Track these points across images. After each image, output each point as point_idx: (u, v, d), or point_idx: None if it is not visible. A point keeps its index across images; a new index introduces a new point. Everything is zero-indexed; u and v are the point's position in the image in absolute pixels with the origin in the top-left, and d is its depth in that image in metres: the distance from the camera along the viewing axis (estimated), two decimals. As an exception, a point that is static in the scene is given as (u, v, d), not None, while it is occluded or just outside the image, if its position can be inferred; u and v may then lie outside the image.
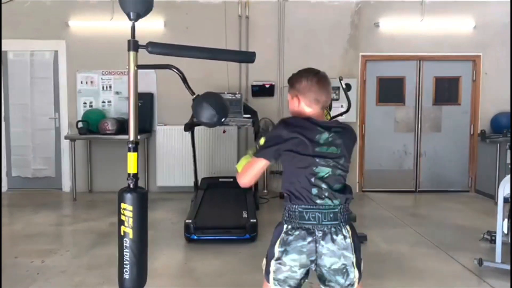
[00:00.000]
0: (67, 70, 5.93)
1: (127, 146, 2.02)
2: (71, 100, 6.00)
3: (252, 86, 6.15)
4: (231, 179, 5.78)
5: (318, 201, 1.64)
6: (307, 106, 1.74)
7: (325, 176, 1.66)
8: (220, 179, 5.63)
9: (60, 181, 6.08)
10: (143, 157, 6.04)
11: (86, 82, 5.98)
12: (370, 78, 6.33)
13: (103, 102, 6.00)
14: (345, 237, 1.65)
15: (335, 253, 1.64)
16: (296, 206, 1.65)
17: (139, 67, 2.15)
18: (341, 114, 5.30)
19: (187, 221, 4.03)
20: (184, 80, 2.11)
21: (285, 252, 1.66)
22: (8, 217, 4.89)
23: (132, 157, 2.14)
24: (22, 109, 5.98)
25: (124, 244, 2.10)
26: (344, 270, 1.65)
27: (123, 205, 2.10)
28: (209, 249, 3.82)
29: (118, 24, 5.88)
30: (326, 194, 1.65)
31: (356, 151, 6.32)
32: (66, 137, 5.69)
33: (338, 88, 5.63)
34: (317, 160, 1.65)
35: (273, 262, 1.69)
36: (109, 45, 5.96)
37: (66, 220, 4.72)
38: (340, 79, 5.18)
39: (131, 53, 2.11)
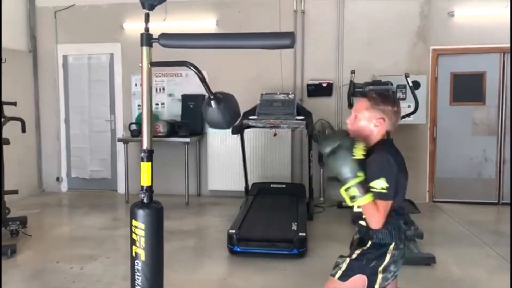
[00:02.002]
0: (122, 72, 5.96)
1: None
2: (126, 102, 6.03)
3: (308, 85, 5.74)
4: (283, 185, 5.44)
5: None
6: (385, 130, 1.80)
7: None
8: (271, 185, 5.31)
9: (116, 183, 6.13)
10: (194, 160, 5.90)
11: (141, 84, 5.96)
12: (443, 74, 5.61)
13: (157, 104, 5.95)
14: None
15: None
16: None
17: (153, 64, 1.90)
18: (407, 115, 4.73)
19: (230, 231, 3.75)
20: (202, 78, 1.81)
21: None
22: (62, 218, 4.98)
23: (145, 167, 1.89)
24: (81, 111, 6.13)
25: (136, 267, 1.84)
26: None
27: (134, 223, 1.84)
28: (252, 264, 3.51)
29: (171, 25, 5.80)
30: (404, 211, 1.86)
31: (425, 156, 5.64)
32: (119, 140, 5.71)
33: (405, 86, 5.02)
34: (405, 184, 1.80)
35: None
36: (162, 47, 5.89)
37: (114, 224, 4.68)
38: (407, 76, 4.62)
39: (144, 48, 1.86)
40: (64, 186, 6.26)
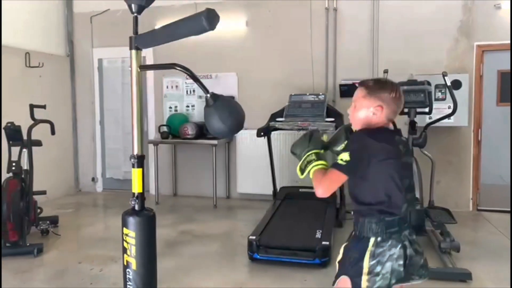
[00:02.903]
0: (154, 75, 6.03)
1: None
2: (158, 104, 6.09)
3: (341, 85, 5.51)
4: (313, 190, 5.23)
5: (403, 209, 1.70)
6: (385, 117, 1.71)
7: (407, 187, 1.73)
8: (300, 189, 5.12)
9: (148, 184, 6.20)
10: (223, 163, 5.85)
11: (172, 87, 6.02)
12: (489, 72, 5.18)
13: (187, 106, 5.96)
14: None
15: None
16: (383, 217, 1.68)
17: (143, 68, 1.83)
18: (446, 117, 4.40)
19: (250, 237, 3.64)
20: (194, 77, 1.73)
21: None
22: (92, 218, 5.09)
23: (136, 173, 1.83)
24: (114, 113, 6.27)
25: (127, 276, 1.78)
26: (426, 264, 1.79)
27: (125, 230, 1.78)
28: (271, 272, 3.37)
29: (201, 27, 5.79)
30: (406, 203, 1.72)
31: (469, 160, 5.23)
32: (149, 142, 5.77)
33: (444, 86, 4.67)
34: (402, 172, 1.69)
35: None
36: (192, 49, 5.90)
37: (141, 225, 4.70)
38: (444, 75, 4.28)
39: (133, 52, 1.80)
40: (99, 186, 6.43)
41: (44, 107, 4.09)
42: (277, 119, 4.86)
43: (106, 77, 6.28)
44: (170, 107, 6.04)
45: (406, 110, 4.50)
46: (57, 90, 5.94)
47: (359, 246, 1.68)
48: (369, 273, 1.63)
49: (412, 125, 4.40)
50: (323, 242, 3.52)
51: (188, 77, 6.04)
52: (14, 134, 3.71)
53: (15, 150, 3.89)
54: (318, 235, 3.73)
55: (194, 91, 5.93)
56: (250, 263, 3.56)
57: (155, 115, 6.10)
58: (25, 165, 3.91)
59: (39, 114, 4.20)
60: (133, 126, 1.81)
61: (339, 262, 1.80)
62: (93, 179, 6.41)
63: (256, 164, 5.62)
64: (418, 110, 4.39)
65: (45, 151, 5.20)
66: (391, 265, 1.64)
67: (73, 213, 5.25)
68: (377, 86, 1.71)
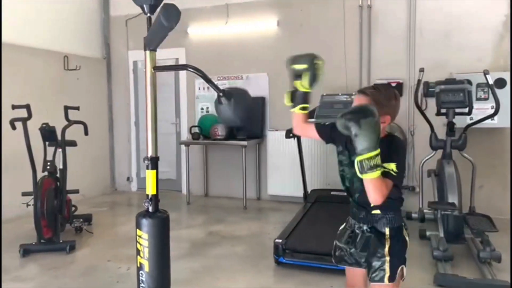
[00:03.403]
0: (186, 77, 6.09)
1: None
2: (190, 106, 6.15)
3: (375, 85, 5.31)
4: (345, 193, 5.08)
5: None
6: (388, 126, 1.74)
7: None
8: (332, 192, 4.98)
9: (181, 184, 6.29)
10: (254, 164, 5.81)
11: (203, 88, 6.05)
12: (537, 70, 4.82)
13: (218, 107, 5.96)
14: None
15: None
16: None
17: (157, 68, 1.81)
18: (488, 118, 4.16)
19: (276, 240, 3.57)
20: (206, 78, 1.70)
21: None
22: (125, 217, 5.20)
23: (150, 175, 1.81)
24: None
25: (140, 278, 1.76)
26: None
27: (138, 232, 1.76)
28: (297, 277, 3.29)
29: (233, 28, 5.80)
30: None
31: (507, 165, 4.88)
32: (180, 142, 5.83)
33: (487, 85, 4.39)
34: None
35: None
36: (224, 50, 5.92)
37: (170, 225, 4.72)
38: (486, 74, 4.04)
39: (147, 52, 1.79)
40: (134, 186, 6.58)
41: (77, 108, 4.22)
42: (308, 120, 4.75)
43: (141, 79, 6.42)
44: (202, 108, 6.08)
45: (444, 110, 4.28)
46: (94, 92, 6.13)
47: (397, 234, 1.82)
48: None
49: (451, 126, 4.17)
50: (352, 248, 3.39)
51: (220, 78, 6.04)
52: (48, 134, 3.84)
53: (51, 150, 4.03)
54: (347, 240, 3.60)
55: (225, 92, 5.93)
56: (275, 267, 3.49)
57: (188, 116, 6.16)
58: (60, 164, 4.05)
59: (76, 115, 4.33)
60: (147, 127, 1.80)
61: (391, 257, 1.80)
62: (128, 179, 6.56)
63: (287, 166, 5.54)
64: (457, 110, 4.16)
65: (83, 151, 5.39)
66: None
67: (107, 211, 5.39)
68: (382, 94, 1.71)
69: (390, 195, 1.66)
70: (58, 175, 3.97)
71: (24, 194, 3.81)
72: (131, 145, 6.54)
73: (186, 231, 4.52)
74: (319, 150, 5.47)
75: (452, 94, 4.10)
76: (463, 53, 4.93)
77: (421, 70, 4.38)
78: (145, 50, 1.79)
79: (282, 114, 5.67)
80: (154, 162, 1.78)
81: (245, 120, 1.71)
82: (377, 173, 1.55)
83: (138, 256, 1.77)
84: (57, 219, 3.79)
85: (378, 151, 1.54)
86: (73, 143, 4.21)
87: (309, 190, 5.15)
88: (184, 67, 1.72)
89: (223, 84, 5.93)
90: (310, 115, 4.71)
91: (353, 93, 5.00)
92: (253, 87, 5.76)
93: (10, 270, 3.38)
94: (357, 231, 1.91)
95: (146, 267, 1.75)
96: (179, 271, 3.42)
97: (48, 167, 3.81)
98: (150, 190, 1.80)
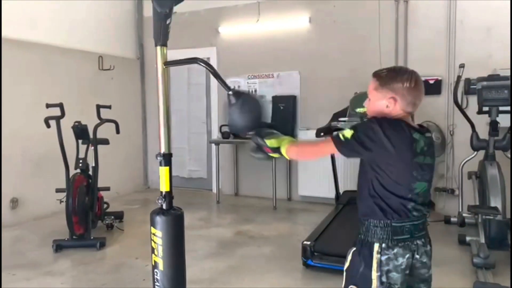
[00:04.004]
0: (217, 75, 6.07)
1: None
2: (221, 105, 6.13)
3: (411, 82, 5.07)
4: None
5: (415, 213, 1.55)
6: (401, 110, 1.56)
7: (421, 192, 1.56)
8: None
9: (211, 183, 6.29)
10: (284, 163, 5.71)
11: (233, 87, 5.98)
12: None
13: (249, 106, 5.91)
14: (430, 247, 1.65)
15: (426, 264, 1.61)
16: (389, 221, 1.54)
17: (168, 64, 1.76)
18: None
19: (305, 242, 3.46)
20: (215, 74, 1.64)
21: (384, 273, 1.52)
22: (156, 215, 5.24)
23: (163, 172, 1.77)
24: (180, 113, 6.44)
25: (155, 277, 1.73)
26: (429, 279, 1.66)
27: (152, 230, 1.73)
28: (324, 280, 3.17)
29: (263, 26, 5.73)
30: (419, 207, 1.56)
31: None
32: (210, 141, 5.82)
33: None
34: (415, 174, 1.53)
35: None
36: (255, 48, 5.86)
37: (199, 224, 4.74)
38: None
39: (158, 48, 1.74)
40: (165, 184, 6.64)
41: (109, 107, 4.29)
42: (340, 119, 4.60)
43: (173, 78, 6.46)
44: (233, 107, 6.04)
45: (486, 108, 4.02)
46: (128, 91, 6.25)
47: (364, 249, 1.57)
48: (380, 283, 1.53)
49: (494, 125, 3.91)
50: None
51: (250, 76, 5.97)
52: (81, 132, 3.93)
53: (84, 148, 4.12)
54: (379, 243, 3.44)
55: (255, 90, 5.87)
56: (303, 269, 3.39)
57: (218, 115, 6.15)
58: (92, 162, 4.13)
59: (110, 114, 4.41)
60: (159, 123, 1.75)
61: (346, 270, 1.66)
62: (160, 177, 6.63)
63: (319, 166, 5.40)
64: (501, 108, 3.90)
65: (117, 149, 5.51)
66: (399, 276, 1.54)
67: (138, 209, 5.46)
68: (389, 76, 1.57)
69: (363, 191, 1.58)
70: (90, 172, 4.05)
71: (58, 190, 3.91)
72: (164, 144, 6.60)
73: (215, 230, 4.49)
74: (351, 150, 5.29)
75: (495, 91, 3.85)
76: (508, 48, 4.61)
77: (461, 66, 4.14)
78: (156, 45, 1.75)
79: (313, 113, 5.54)
80: (167, 159, 1.75)
81: (250, 127, 1.63)
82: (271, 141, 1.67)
83: (153, 254, 1.75)
84: (88, 216, 3.86)
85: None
86: (105, 141, 4.29)
87: (341, 191, 4.99)
88: (194, 60, 1.67)
89: (254, 83, 5.90)
90: (341, 115, 4.60)
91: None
92: (284, 86, 5.68)
93: (42, 265, 3.48)
94: None
95: (161, 266, 1.71)
96: (205, 270, 3.40)
97: (80, 165, 3.89)
98: (164, 187, 1.76)
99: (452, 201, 4.87)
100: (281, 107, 5.60)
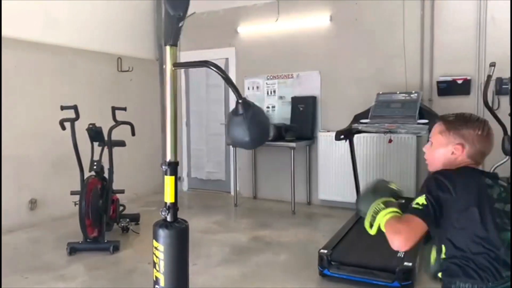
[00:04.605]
0: (235, 76, 5.98)
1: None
2: (239, 106, 6.02)
3: (438, 82, 4.84)
4: (402, 201, 4.66)
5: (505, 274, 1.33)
6: (468, 158, 1.47)
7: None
8: (387, 199, 4.60)
9: (229, 185, 6.19)
10: (304, 166, 5.55)
11: (253, 88, 5.90)
12: None
13: (267, 107, 5.79)
14: None
15: None
16: (484, 286, 1.32)
17: (177, 65, 1.65)
18: None
19: (321, 251, 3.31)
20: (227, 78, 1.51)
21: None
22: (172, 218, 5.18)
23: (168, 181, 1.66)
24: (199, 115, 6.38)
25: (156, 292, 1.62)
26: None
27: (155, 243, 1.62)
28: (342, 292, 3.02)
29: (283, 25, 5.59)
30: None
31: None
32: (228, 143, 5.72)
33: None
34: (498, 221, 1.36)
35: None
36: (274, 48, 5.73)
37: (214, 228, 4.65)
38: None
39: (168, 48, 1.63)
40: (184, 186, 6.60)
41: (124, 109, 4.24)
42: (361, 121, 4.42)
43: (191, 79, 6.42)
44: (251, 108, 5.92)
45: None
46: (147, 93, 6.22)
47: None
48: None
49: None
50: (406, 263, 3.05)
51: (269, 77, 5.84)
52: (95, 135, 3.89)
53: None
54: (401, 254, 3.25)
55: (274, 92, 5.74)
56: (319, 279, 3.24)
57: (237, 116, 6.04)
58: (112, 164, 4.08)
59: (128, 116, 4.37)
60: (166, 128, 1.64)
61: None
62: (179, 178, 6.59)
63: (340, 169, 5.23)
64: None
65: (137, 151, 5.49)
66: None
67: (156, 211, 5.40)
68: (459, 121, 1.49)
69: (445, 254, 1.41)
70: (105, 174, 4.02)
71: (73, 193, 3.89)
72: (182, 145, 6.56)
73: (229, 235, 4.39)
74: (373, 152, 5.09)
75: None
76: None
77: (492, 64, 3.88)
78: (164, 45, 1.64)
79: (334, 114, 5.37)
80: (173, 168, 1.63)
81: (255, 142, 1.48)
82: (382, 214, 1.45)
83: (154, 269, 1.64)
84: (102, 219, 3.82)
85: (379, 199, 1.50)
86: (121, 143, 4.25)
87: (362, 196, 4.80)
88: (204, 64, 1.54)
89: (273, 84, 5.77)
90: (362, 117, 4.42)
91: (412, 91, 4.60)
92: (304, 86, 5.52)
93: (55, 268, 3.45)
94: None
95: (162, 282, 1.61)
96: (217, 278, 3.30)
97: (95, 167, 3.86)
98: (168, 197, 1.65)
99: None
100: (301, 108, 5.45)
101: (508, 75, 3.94)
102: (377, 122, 4.36)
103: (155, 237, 1.62)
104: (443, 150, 1.49)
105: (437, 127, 1.52)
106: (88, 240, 3.79)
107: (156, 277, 1.63)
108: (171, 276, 1.59)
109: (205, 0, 5.78)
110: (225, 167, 6.25)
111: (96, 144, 4.08)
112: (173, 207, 1.65)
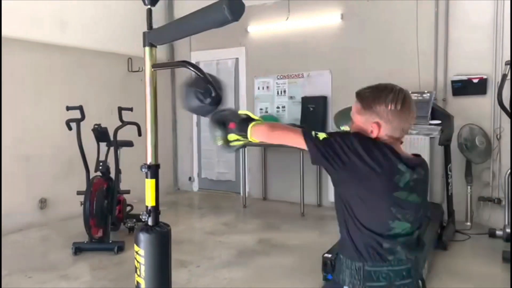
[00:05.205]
0: (246, 76, 5.93)
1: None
2: (249, 106, 5.97)
3: (453, 81, 4.68)
4: (414, 203, 4.56)
5: (392, 257, 1.30)
6: (386, 136, 1.33)
7: (403, 233, 1.32)
8: (398, 202, 4.47)
9: (239, 186, 6.14)
10: (314, 168, 5.45)
11: (263, 88, 5.84)
12: None
13: (277, 107, 5.72)
14: None
15: None
16: (361, 264, 1.31)
17: (155, 66, 1.61)
18: None
19: (326, 255, 3.21)
20: (205, 77, 1.47)
21: None
22: (179, 218, 5.17)
23: (149, 185, 1.62)
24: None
25: (138, 298, 1.58)
26: None
27: (135, 248, 1.59)
28: (345, 299, 2.92)
29: (293, 24, 5.51)
30: (398, 250, 1.31)
31: None
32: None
33: None
34: (393, 210, 1.29)
35: None
36: (284, 48, 5.65)
37: (222, 229, 4.61)
38: None
39: (147, 49, 1.60)
40: (195, 186, 6.60)
41: (131, 109, 4.24)
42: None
43: (202, 79, 6.40)
44: (261, 109, 5.87)
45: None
46: (158, 94, 6.22)
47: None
48: None
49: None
50: (412, 270, 2.93)
51: (280, 77, 5.74)
52: (100, 135, 3.91)
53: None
54: (409, 260, 3.14)
55: (284, 91, 5.67)
56: (323, 285, 3.15)
57: (247, 117, 5.99)
58: (118, 164, 4.09)
59: (139, 117, 4.36)
60: (146, 130, 1.60)
61: None
62: (189, 179, 6.59)
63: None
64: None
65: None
66: None
67: (164, 211, 5.32)
68: (372, 97, 1.34)
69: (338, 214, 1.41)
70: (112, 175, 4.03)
71: (79, 193, 3.91)
72: (193, 145, 6.56)
73: (236, 236, 4.34)
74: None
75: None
76: None
77: (508, 63, 3.72)
78: (144, 46, 1.61)
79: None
80: (153, 171, 1.59)
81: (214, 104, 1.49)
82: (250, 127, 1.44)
83: (136, 274, 1.61)
84: (107, 219, 3.83)
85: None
86: (129, 144, 4.25)
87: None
88: (183, 64, 1.50)
89: (283, 83, 5.70)
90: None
91: (425, 91, 4.46)
92: (314, 86, 5.43)
93: (60, 268, 3.47)
94: None
95: (143, 287, 1.57)
96: (219, 281, 3.26)
97: (100, 167, 3.87)
98: (150, 201, 1.61)
99: (498, 212, 4.42)
100: (311, 109, 5.35)
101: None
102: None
103: (136, 242, 1.59)
104: (362, 128, 1.36)
105: (355, 105, 1.39)
106: (93, 240, 3.80)
107: (137, 282, 1.60)
108: (152, 281, 1.56)
109: (215, 0, 5.74)
110: (235, 168, 6.21)
111: (103, 144, 4.10)
112: (155, 211, 1.62)
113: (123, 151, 4.32)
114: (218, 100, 1.47)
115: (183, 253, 3.83)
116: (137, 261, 1.57)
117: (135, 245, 1.59)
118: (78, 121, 3.81)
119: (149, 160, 1.61)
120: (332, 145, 1.28)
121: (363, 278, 1.29)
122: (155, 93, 1.62)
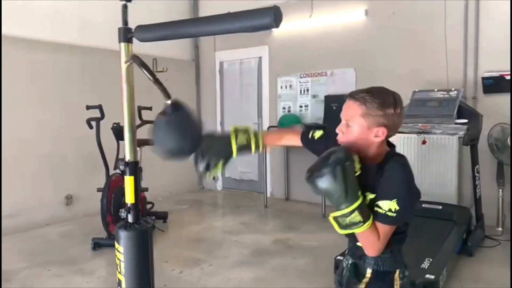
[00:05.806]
0: (269, 75, 5.89)
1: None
2: (272, 105, 5.93)
3: (483, 78, 4.42)
4: (439, 206, 4.32)
5: None
6: (386, 139, 1.37)
7: None
8: (423, 205, 4.27)
9: (262, 185, 6.11)
10: (337, 168, 5.32)
11: (286, 87, 5.78)
12: None
13: (300, 106, 5.64)
14: None
15: None
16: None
17: (127, 61, 1.59)
18: None
19: (338, 257, 3.14)
20: (153, 76, 1.40)
21: None
22: (199, 217, 5.22)
23: (128, 181, 1.61)
24: (233, 114, 6.36)
25: (119, 295, 1.59)
26: None
27: (116, 245, 1.59)
28: (355, 303, 2.81)
29: (316, 22, 5.41)
30: None
31: None
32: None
33: None
34: None
35: None
36: (307, 46, 5.57)
37: (240, 228, 4.59)
38: None
39: (122, 45, 1.57)
40: (219, 185, 6.63)
41: (150, 108, 4.31)
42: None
43: (226, 79, 6.43)
44: (284, 108, 5.81)
45: None
46: (182, 93, 6.23)
47: (384, 280, 1.42)
48: None
49: None
50: (427, 275, 2.81)
51: (303, 75, 5.65)
52: (119, 133, 4.00)
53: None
54: (425, 265, 3.00)
55: (307, 90, 5.58)
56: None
57: (270, 115, 5.96)
58: (140, 162, 4.18)
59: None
60: (124, 128, 1.59)
61: None
62: (214, 178, 6.64)
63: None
64: None
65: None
66: None
67: (186, 210, 5.48)
68: (378, 101, 1.31)
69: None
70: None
71: (99, 190, 4.02)
72: (217, 145, 6.59)
73: (252, 236, 4.31)
74: (409, 154, 4.75)
75: None
76: None
77: None
78: (119, 42, 1.59)
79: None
80: (132, 168, 1.58)
81: (191, 147, 1.37)
82: (360, 228, 1.29)
83: (117, 271, 1.61)
84: (124, 216, 3.90)
85: (355, 205, 1.27)
86: (147, 142, 4.32)
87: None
88: (133, 59, 1.45)
89: (306, 82, 5.60)
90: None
91: (452, 89, 4.24)
92: (338, 84, 5.31)
93: (77, 262, 3.58)
94: (343, 264, 1.58)
95: (123, 284, 1.57)
96: (229, 280, 3.24)
97: (119, 165, 3.95)
98: (129, 198, 1.61)
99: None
100: (334, 107, 5.23)
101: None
102: (410, 122, 4.07)
103: (116, 239, 1.59)
104: (365, 133, 1.32)
105: (356, 108, 1.32)
106: (111, 236, 3.89)
107: (118, 279, 1.60)
108: (131, 278, 1.55)
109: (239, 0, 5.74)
110: (258, 168, 6.19)
111: (123, 143, 4.19)
112: (134, 208, 1.61)
113: (144, 149, 4.40)
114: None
115: (198, 251, 3.86)
116: (118, 258, 1.57)
117: (115, 243, 1.60)
118: (97, 120, 3.92)
119: (128, 157, 1.59)
120: (404, 207, 1.30)
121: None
122: (131, 90, 1.60)
